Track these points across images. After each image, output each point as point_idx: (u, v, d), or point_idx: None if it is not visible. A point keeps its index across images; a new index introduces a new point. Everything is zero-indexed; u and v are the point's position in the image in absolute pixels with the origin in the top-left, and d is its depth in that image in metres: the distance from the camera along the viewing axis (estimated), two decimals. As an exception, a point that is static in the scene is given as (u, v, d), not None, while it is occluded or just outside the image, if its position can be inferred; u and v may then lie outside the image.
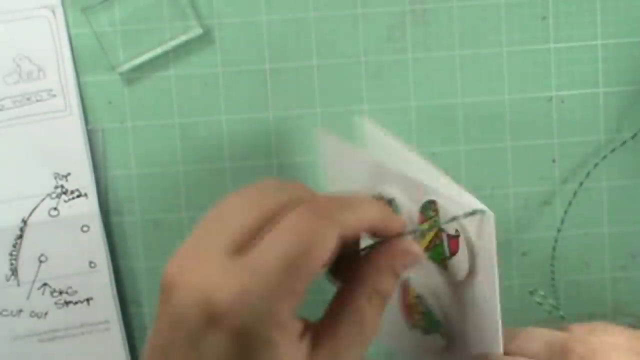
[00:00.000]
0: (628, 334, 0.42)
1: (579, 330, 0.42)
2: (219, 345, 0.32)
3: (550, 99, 0.54)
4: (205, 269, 0.33)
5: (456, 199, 0.39)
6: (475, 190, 0.54)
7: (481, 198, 0.54)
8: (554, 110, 0.54)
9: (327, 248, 0.33)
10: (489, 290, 0.39)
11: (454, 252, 0.40)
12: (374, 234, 0.37)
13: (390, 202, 0.43)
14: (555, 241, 0.54)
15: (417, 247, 0.37)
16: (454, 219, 0.39)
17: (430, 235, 0.40)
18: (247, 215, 0.33)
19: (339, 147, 0.46)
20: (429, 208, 0.41)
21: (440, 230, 0.40)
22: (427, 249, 0.42)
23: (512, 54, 0.53)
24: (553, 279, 0.54)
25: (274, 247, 0.32)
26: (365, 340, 0.35)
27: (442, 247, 0.40)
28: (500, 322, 0.40)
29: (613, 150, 0.53)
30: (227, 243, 0.33)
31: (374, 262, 0.36)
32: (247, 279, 0.32)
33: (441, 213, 0.41)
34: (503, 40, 0.53)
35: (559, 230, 0.54)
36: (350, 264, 0.36)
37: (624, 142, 0.53)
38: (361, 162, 0.44)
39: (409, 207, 0.42)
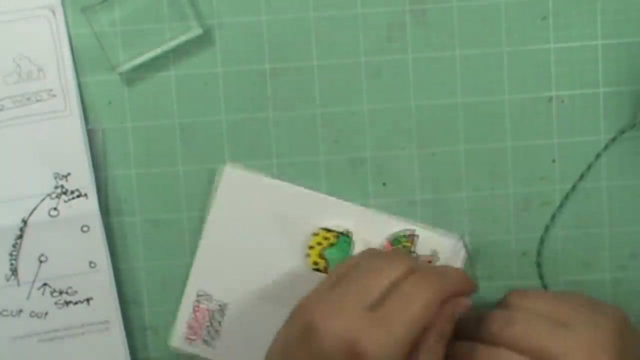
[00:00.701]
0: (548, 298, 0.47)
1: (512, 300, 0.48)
2: None
3: (550, 99, 0.54)
4: (348, 318, 0.42)
5: (430, 231, 0.53)
6: (475, 190, 0.54)
7: (481, 198, 0.55)
8: (554, 110, 0.54)
9: (434, 308, 0.43)
10: None
11: None
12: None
13: (343, 234, 0.53)
14: (555, 241, 0.54)
15: (467, 300, 0.46)
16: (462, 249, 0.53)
17: None
18: (380, 281, 0.44)
19: (252, 180, 0.53)
20: (403, 237, 0.53)
21: (411, 252, 0.53)
22: None
23: (512, 54, 0.53)
24: (541, 278, 0.55)
25: (401, 308, 0.43)
26: None
27: None
28: None
29: (614, 138, 0.53)
30: (364, 300, 0.43)
31: (441, 313, 0.45)
32: (384, 331, 0.42)
33: (419, 242, 0.53)
34: (503, 40, 0.53)
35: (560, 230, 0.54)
36: None
37: (622, 132, 0.53)
38: (290, 196, 0.53)
39: (366, 237, 0.53)
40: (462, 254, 0.52)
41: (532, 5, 0.53)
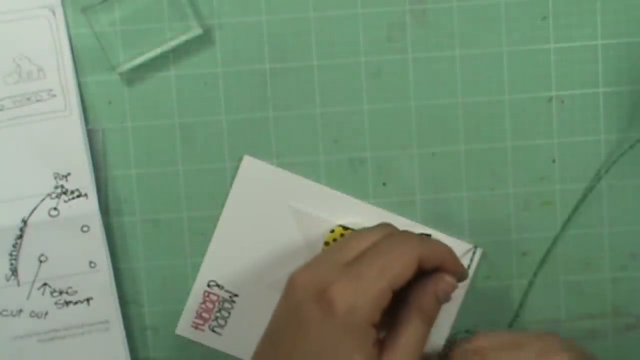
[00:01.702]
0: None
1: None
2: (321, 328, 0.42)
3: (550, 99, 0.54)
4: (322, 270, 0.43)
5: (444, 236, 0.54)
6: (475, 190, 0.54)
7: (481, 198, 0.55)
8: (554, 110, 0.54)
9: (409, 267, 0.43)
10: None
11: None
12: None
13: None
14: (555, 241, 0.54)
15: (451, 278, 0.46)
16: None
17: None
18: (359, 242, 0.45)
19: (272, 172, 0.54)
20: None
21: None
22: None
23: (512, 54, 0.53)
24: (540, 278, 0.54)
25: (373, 261, 0.43)
26: (415, 354, 0.43)
27: None
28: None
29: (622, 154, 0.53)
30: (343, 258, 0.44)
31: (423, 286, 0.45)
32: (355, 281, 0.42)
33: None
34: (503, 40, 0.53)
35: (560, 230, 0.54)
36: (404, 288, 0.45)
37: (632, 145, 0.53)
38: (308, 192, 0.54)
39: None
40: (473, 263, 0.53)
41: (532, 5, 0.53)
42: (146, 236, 0.55)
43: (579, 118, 0.54)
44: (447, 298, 0.45)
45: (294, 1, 0.53)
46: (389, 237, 0.45)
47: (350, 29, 0.54)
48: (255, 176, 0.54)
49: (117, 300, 0.54)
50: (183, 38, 0.53)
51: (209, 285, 0.54)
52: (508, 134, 0.54)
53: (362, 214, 0.53)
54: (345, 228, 0.53)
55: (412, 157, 0.54)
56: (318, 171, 0.54)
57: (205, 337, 0.54)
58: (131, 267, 0.55)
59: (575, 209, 0.54)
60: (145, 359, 0.55)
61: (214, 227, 0.54)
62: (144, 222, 0.55)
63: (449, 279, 0.45)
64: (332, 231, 0.53)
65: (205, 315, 0.54)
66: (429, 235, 0.53)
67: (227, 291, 0.54)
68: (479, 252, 0.53)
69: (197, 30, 0.53)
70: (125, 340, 0.54)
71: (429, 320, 0.45)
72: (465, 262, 0.53)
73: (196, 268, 0.55)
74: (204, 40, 0.53)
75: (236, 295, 0.54)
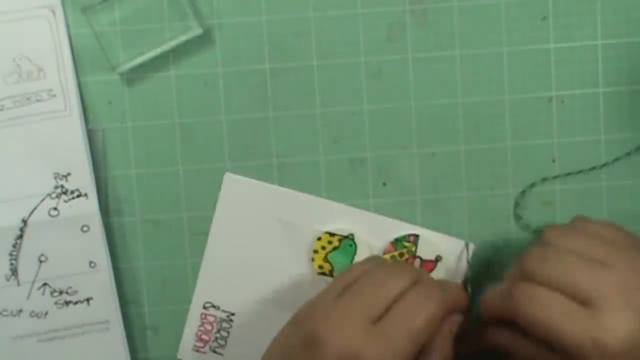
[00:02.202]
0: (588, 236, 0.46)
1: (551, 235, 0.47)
2: None
3: (550, 99, 0.54)
4: (351, 331, 0.43)
5: (433, 234, 0.53)
6: (475, 190, 0.54)
7: (481, 198, 0.55)
8: (554, 110, 0.54)
9: (436, 324, 0.45)
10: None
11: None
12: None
13: (347, 237, 0.53)
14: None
15: (460, 317, 0.47)
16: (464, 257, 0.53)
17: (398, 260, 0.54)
18: (384, 293, 0.45)
19: (255, 188, 0.54)
20: (405, 239, 0.53)
21: (414, 256, 0.53)
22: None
23: (512, 54, 0.53)
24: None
25: (403, 321, 0.44)
26: None
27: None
28: None
29: (616, 159, 0.53)
30: (368, 314, 0.44)
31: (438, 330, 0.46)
32: (385, 343, 0.43)
33: (422, 245, 0.53)
34: (503, 40, 0.53)
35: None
36: None
37: (628, 153, 0.53)
38: (292, 202, 0.53)
39: (368, 240, 0.53)
40: (465, 259, 0.53)
41: (532, 5, 0.53)
42: (146, 236, 0.55)
43: (579, 118, 0.54)
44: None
45: (294, 1, 0.53)
46: (416, 288, 0.45)
47: (350, 29, 0.54)
48: (237, 192, 0.53)
49: (117, 300, 0.54)
50: (183, 38, 0.53)
51: (205, 307, 0.54)
52: (508, 134, 0.54)
53: (346, 219, 0.53)
54: (331, 234, 0.53)
55: (412, 157, 0.54)
56: (318, 171, 0.54)
57: (208, 359, 0.54)
58: (131, 267, 0.55)
59: (576, 208, 0.54)
60: (145, 359, 0.55)
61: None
62: (144, 222, 0.55)
63: (459, 319, 0.47)
64: (319, 239, 0.53)
65: (204, 337, 0.54)
66: (416, 236, 0.53)
67: (223, 311, 0.54)
68: (471, 246, 0.53)
69: (197, 30, 0.53)
70: (125, 340, 0.54)
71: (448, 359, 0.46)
72: (461, 260, 0.53)
73: (196, 268, 0.55)
74: (204, 40, 0.53)
75: (233, 314, 0.54)
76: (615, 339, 0.41)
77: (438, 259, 0.53)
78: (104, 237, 0.54)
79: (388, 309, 0.44)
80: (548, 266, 0.44)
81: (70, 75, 0.53)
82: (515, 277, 0.46)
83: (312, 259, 0.53)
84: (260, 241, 0.53)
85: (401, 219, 0.54)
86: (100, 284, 0.54)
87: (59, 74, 0.53)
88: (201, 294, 0.54)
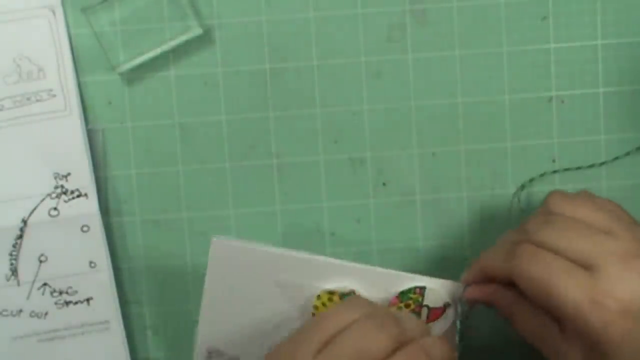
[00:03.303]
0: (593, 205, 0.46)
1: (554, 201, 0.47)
2: None
3: (550, 99, 0.54)
4: None
5: (439, 282, 0.50)
6: (475, 190, 0.54)
7: (481, 198, 0.55)
8: (554, 110, 0.54)
9: (384, 352, 0.41)
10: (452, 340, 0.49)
11: (432, 320, 0.50)
12: None
13: (346, 294, 0.50)
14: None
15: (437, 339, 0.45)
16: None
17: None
18: (330, 325, 0.43)
19: (246, 252, 0.50)
20: (411, 292, 0.50)
21: (421, 305, 0.50)
22: None
23: (512, 54, 0.53)
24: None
25: (340, 351, 0.41)
26: None
27: (418, 316, 0.50)
28: None
29: (616, 159, 0.53)
30: (313, 346, 0.42)
31: None
32: None
33: (429, 294, 0.49)
34: (503, 40, 0.53)
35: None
36: None
37: (628, 153, 0.53)
38: (287, 263, 0.50)
39: (371, 295, 0.49)
40: (457, 304, 0.50)
41: (532, 5, 0.53)
42: (146, 236, 0.55)
43: (579, 118, 0.54)
44: None
45: (294, 1, 0.53)
46: (365, 319, 0.42)
47: (350, 29, 0.54)
48: (227, 257, 0.50)
49: (117, 300, 0.54)
50: (183, 38, 0.53)
51: (209, 354, 0.51)
52: (508, 134, 0.54)
53: (346, 276, 0.50)
54: (330, 292, 0.50)
55: (412, 157, 0.54)
56: (318, 171, 0.54)
57: None
58: (131, 267, 0.55)
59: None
60: (145, 359, 0.55)
61: (214, 227, 0.54)
62: (144, 222, 0.55)
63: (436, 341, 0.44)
64: (319, 297, 0.50)
65: None
66: (423, 288, 0.50)
67: (227, 355, 0.51)
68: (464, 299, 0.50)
69: (197, 30, 0.53)
70: (125, 340, 0.54)
71: None
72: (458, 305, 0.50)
73: (196, 268, 0.55)
74: (204, 40, 0.53)
75: (238, 357, 0.52)
76: (615, 300, 0.41)
77: (447, 305, 0.50)
78: (104, 237, 0.54)
79: (332, 339, 0.42)
80: (552, 229, 0.44)
81: (70, 75, 0.53)
82: (515, 239, 0.45)
83: (313, 315, 0.50)
84: (258, 300, 0.50)
85: (401, 219, 0.54)
86: (100, 284, 0.54)
87: (59, 74, 0.53)
88: (204, 341, 0.51)
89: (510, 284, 0.45)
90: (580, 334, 0.42)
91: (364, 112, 0.54)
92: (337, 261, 0.50)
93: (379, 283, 0.50)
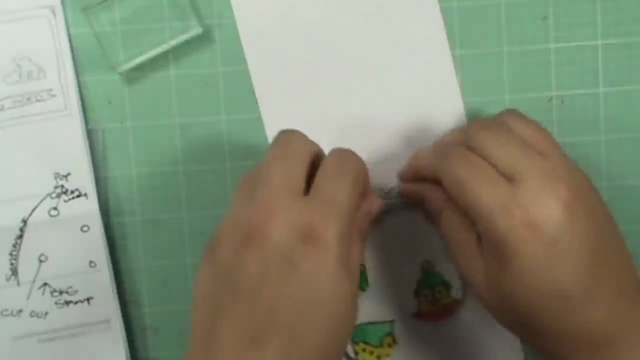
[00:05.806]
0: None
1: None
2: (313, 259, 0.40)
3: (550, 99, 0.54)
4: (289, 211, 0.41)
5: None
6: (475, 190, 0.54)
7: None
8: (554, 110, 0.54)
9: (364, 177, 0.45)
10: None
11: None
12: None
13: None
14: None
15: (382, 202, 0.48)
16: None
17: None
18: (298, 167, 0.43)
19: None
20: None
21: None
22: None
23: (512, 54, 0.53)
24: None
25: (332, 189, 0.43)
26: (358, 265, 0.45)
27: None
28: None
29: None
30: (294, 189, 0.42)
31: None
32: (330, 212, 0.41)
33: None
34: (503, 40, 0.53)
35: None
36: None
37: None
38: None
39: None
40: None
41: (532, 5, 0.53)
42: (146, 236, 0.55)
43: (579, 118, 0.54)
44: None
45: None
46: (331, 157, 0.45)
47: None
48: None
49: (117, 300, 0.54)
50: (183, 38, 0.53)
51: None
52: (508, 134, 0.54)
53: None
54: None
55: (412, 157, 0.54)
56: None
57: None
58: (131, 267, 0.55)
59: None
60: (145, 359, 0.55)
61: (214, 227, 0.54)
62: (144, 222, 0.55)
63: (380, 202, 0.48)
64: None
65: None
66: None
67: None
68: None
69: (197, 30, 0.53)
70: (125, 340, 0.54)
71: (365, 237, 0.47)
72: None
73: (196, 268, 0.54)
74: (204, 40, 0.53)
75: None
76: (524, 211, 0.41)
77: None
78: (104, 237, 0.54)
79: (308, 182, 0.43)
80: (488, 135, 0.44)
81: (70, 75, 0.53)
82: (451, 141, 0.48)
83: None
84: None
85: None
86: (100, 283, 0.54)
87: (59, 73, 0.53)
88: None
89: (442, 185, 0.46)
90: (489, 243, 0.43)
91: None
92: None
93: None
